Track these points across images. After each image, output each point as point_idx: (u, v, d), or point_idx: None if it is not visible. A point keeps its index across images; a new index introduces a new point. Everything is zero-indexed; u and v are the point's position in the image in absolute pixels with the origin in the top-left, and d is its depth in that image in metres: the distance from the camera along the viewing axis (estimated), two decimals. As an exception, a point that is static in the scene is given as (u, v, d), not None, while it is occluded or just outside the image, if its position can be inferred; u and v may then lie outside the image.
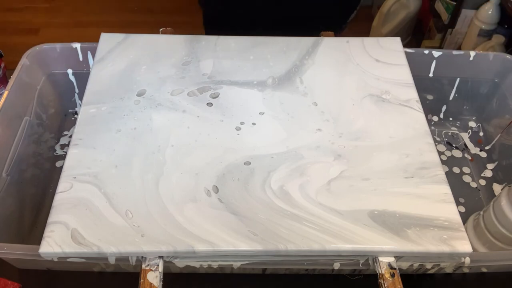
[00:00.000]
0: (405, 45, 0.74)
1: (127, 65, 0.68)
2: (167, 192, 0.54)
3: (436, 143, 0.83)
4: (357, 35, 0.75)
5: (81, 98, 0.72)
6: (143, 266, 0.50)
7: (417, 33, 1.87)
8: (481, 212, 0.65)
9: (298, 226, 0.52)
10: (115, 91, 0.65)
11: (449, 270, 0.61)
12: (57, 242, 0.49)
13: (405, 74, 0.69)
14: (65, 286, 0.64)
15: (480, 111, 0.85)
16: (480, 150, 0.83)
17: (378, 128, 0.62)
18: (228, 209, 0.53)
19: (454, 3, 1.51)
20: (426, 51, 0.77)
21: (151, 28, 0.82)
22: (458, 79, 0.81)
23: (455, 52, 0.77)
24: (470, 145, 0.83)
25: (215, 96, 0.65)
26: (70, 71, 0.79)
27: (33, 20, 2.08)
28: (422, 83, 0.75)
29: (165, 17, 0.99)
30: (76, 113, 0.85)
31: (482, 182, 0.78)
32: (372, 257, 0.52)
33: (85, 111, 0.62)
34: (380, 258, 0.52)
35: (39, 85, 0.76)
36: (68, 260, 0.51)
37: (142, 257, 0.51)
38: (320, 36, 0.75)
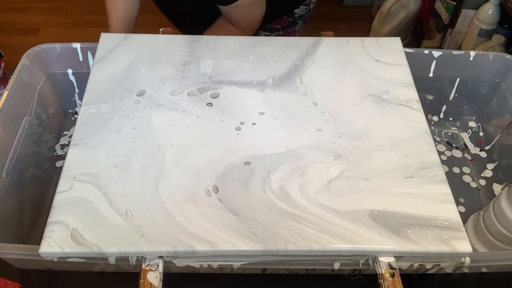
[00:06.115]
0: (405, 45, 0.74)
1: (127, 65, 0.68)
2: (167, 192, 0.54)
3: (436, 143, 0.83)
4: (357, 35, 0.75)
5: (81, 98, 0.72)
6: (143, 266, 0.50)
7: (417, 33, 1.87)
8: (481, 212, 0.65)
9: (298, 226, 0.52)
10: (115, 91, 0.65)
11: (449, 270, 0.61)
12: (57, 242, 0.49)
13: (405, 74, 0.69)
14: (65, 286, 0.64)
15: (480, 111, 0.85)
16: (480, 150, 0.83)
17: (378, 128, 0.62)
18: (228, 209, 0.53)
19: (454, 3, 1.51)
20: (426, 51, 0.77)
21: (151, 28, 0.82)
22: (458, 79, 0.81)
23: (455, 52, 0.77)
24: (470, 145, 0.83)
25: (215, 96, 0.65)
26: (70, 71, 0.79)
27: (33, 20, 2.08)
28: (422, 83, 0.75)
29: (165, 17, 0.99)
30: (76, 113, 0.85)
31: (482, 182, 0.78)
32: (372, 257, 0.52)
33: (85, 111, 0.62)
34: (380, 258, 0.52)
35: (39, 85, 0.76)
36: (68, 260, 0.51)
37: (142, 257, 0.51)
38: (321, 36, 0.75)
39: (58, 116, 0.82)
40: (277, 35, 0.99)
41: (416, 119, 0.63)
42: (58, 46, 0.76)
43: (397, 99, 0.65)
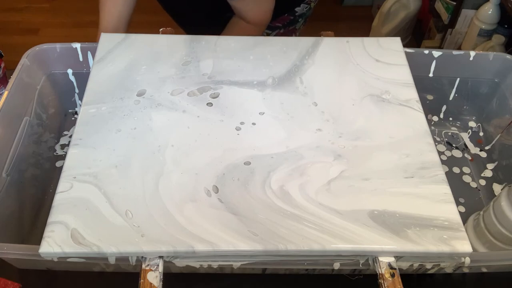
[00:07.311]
0: (405, 45, 0.74)
1: (127, 65, 0.68)
2: (167, 192, 0.54)
3: (436, 143, 0.83)
4: (357, 35, 0.75)
5: (81, 98, 0.72)
6: (143, 266, 0.50)
7: (417, 33, 1.87)
8: (481, 212, 0.65)
9: (298, 226, 0.52)
10: (115, 91, 0.65)
11: (449, 270, 0.61)
12: (57, 242, 0.49)
13: (405, 74, 0.69)
14: (65, 286, 0.64)
15: (480, 111, 0.85)
16: (480, 150, 0.83)
17: (378, 128, 0.62)
18: (228, 209, 0.53)
19: (454, 3, 1.51)
20: (426, 51, 0.77)
21: (151, 28, 0.82)
22: (458, 79, 0.81)
23: (455, 52, 0.77)
24: (470, 145, 0.83)
25: (215, 96, 0.65)
26: (70, 71, 0.79)
27: (33, 20, 2.08)
28: (422, 83, 0.75)
29: (165, 17, 0.99)
30: (76, 113, 0.85)
31: (482, 182, 0.78)
32: (372, 257, 0.52)
33: (85, 111, 0.62)
34: (380, 258, 0.52)
35: (39, 85, 0.76)
36: (68, 260, 0.51)
37: (142, 257, 0.51)
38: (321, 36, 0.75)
39: (58, 116, 0.82)
40: (278, 33, 0.99)
41: (416, 119, 0.63)
42: (58, 46, 0.76)
43: (397, 99, 0.65)
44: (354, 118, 0.63)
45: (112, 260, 0.51)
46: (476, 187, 0.78)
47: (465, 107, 0.85)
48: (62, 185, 0.54)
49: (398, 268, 0.52)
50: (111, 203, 0.53)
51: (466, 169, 0.80)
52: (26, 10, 2.13)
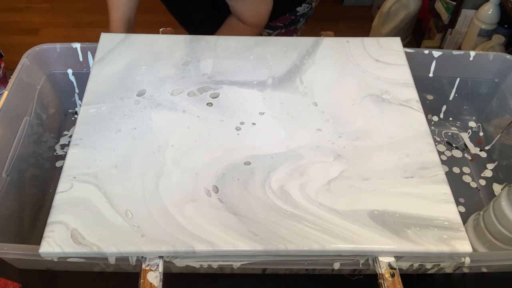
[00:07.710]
0: (405, 45, 0.74)
1: (127, 65, 0.68)
2: (167, 192, 0.54)
3: (436, 143, 0.83)
4: (357, 35, 0.75)
5: (81, 98, 0.72)
6: (143, 266, 0.50)
7: (417, 33, 1.87)
8: (481, 212, 0.65)
9: (298, 226, 0.52)
10: (115, 91, 0.65)
11: (449, 270, 0.61)
12: (57, 242, 0.49)
13: (405, 74, 0.69)
14: (65, 286, 0.64)
15: (480, 111, 0.85)
16: (480, 150, 0.83)
17: (378, 128, 0.62)
18: (228, 209, 0.53)
19: (454, 3, 1.51)
20: (426, 51, 0.77)
21: (151, 28, 0.82)
22: (458, 79, 0.81)
23: (455, 52, 0.77)
24: (470, 145, 0.83)
25: (215, 96, 0.65)
26: (70, 71, 0.79)
27: (33, 20, 2.08)
28: (422, 83, 0.75)
29: (165, 17, 0.99)
30: (76, 113, 0.85)
31: (482, 182, 0.78)
32: (372, 257, 0.52)
33: (85, 111, 0.62)
34: (380, 258, 0.52)
35: (39, 85, 0.76)
36: (68, 260, 0.51)
37: (142, 257, 0.51)
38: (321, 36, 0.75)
39: (58, 116, 0.82)
40: (279, 33, 0.99)
41: (416, 119, 0.63)
42: (58, 46, 0.76)
43: (397, 99, 0.65)
44: (354, 118, 0.63)
45: (112, 260, 0.51)
46: (476, 187, 0.78)
47: (465, 107, 0.85)
48: (62, 185, 0.54)
49: (398, 268, 0.52)
50: (111, 203, 0.53)
51: (466, 169, 0.80)
52: (26, 10, 2.13)
